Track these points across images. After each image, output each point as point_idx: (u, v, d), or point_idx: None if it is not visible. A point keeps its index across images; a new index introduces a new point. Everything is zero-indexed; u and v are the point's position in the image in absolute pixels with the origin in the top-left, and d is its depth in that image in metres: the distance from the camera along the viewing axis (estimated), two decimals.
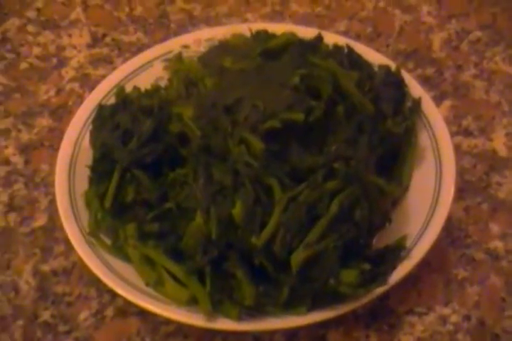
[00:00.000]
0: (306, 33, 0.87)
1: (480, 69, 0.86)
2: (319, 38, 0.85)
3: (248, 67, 0.83)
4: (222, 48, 0.87)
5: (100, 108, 0.85)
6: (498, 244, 0.79)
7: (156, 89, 0.86)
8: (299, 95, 0.78)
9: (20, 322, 0.79)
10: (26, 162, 0.87)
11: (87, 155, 0.85)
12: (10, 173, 0.87)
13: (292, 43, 0.86)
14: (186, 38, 0.89)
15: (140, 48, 0.91)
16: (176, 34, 0.92)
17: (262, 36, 0.86)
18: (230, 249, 0.73)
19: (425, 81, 0.83)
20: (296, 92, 0.78)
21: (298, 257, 0.70)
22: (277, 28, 0.89)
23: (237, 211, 0.71)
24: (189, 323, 0.74)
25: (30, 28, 0.93)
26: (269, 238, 0.71)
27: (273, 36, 0.88)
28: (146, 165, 0.79)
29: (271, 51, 0.85)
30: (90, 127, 0.85)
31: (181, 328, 0.77)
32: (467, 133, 0.82)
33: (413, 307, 0.77)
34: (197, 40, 0.87)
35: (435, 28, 0.89)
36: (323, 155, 0.75)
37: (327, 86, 0.79)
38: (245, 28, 0.89)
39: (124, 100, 0.84)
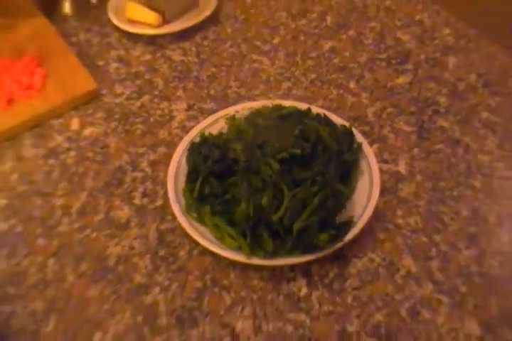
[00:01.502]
0: (302, 106, 0.85)
1: (391, 127, 0.84)
2: (309, 109, 0.85)
3: (270, 124, 0.83)
4: (257, 113, 0.86)
5: (191, 143, 0.84)
6: (400, 221, 0.79)
7: (220, 134, 0.84)
8: (297, 140, 0.78)
9: (148, 255, 0.76)
10: (152, 170, 0.85)
11: (184, 168, 0.83)
12: (144, 177, 0.85)
13: (294, 112, 0.85)
14: (237, 107, 0.89)
15: (213, 112, 0.87)
16: (232, 104, 0.89)
17: (278, 107, 0.85)
18: (260, 222, 0.71)
19: (364, 134, 0.83)
20: (296, 138, 0.79)
21: (297, 226, 0.73)
22: (286, 103, 0.88)
23: (264, 201, 0.73)
24: (236, 259, 0.74)
25: (156, 100, 0.91)
26: (281, 216, 0.70)
27: (284, 107, 0.86)
28: (215, 174, 0.77)
29: (283, 115, 0.84)
30: (186, 153, 0.82)
31: (232, 262, 0.76)
32: (385, 161, 0.82)
33: (356, 253, 0.76)
34: (243, 108, 0.85)
35: (369, 105, 0.88)
36: (310, 172, 0.74)
37: (313, 135, 0.79)
38: (269, 103, 0.88)
39: (204, 139, 0.84)
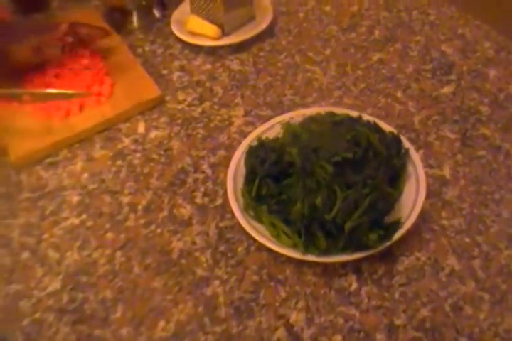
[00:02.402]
0: (353, 113, 0.85)
1: (436, 135, 0.84)
2: (360, 116, 0.83)
3: (324, 130, 0.83)
4: (311, 119, 0.86)
5: (249, 147, 0.85)
6: (445, 222, 0.80)
7: (276, 138, 0.85)
8: (350, 145, 0.78)
9: (208, 250, 0.79)
10: (213, 172, 0.87)
11: (242, 170, 0.84)
12: (205, 178, 0.87)
13: (346, 118, 0.85)
14: (292, 113, 0.90)
15: (269, 118, 0.88)
16: (287, 111, 0.92)
17: (331, 114, 0.85)
18: (314, 221, 0.72)
19: (410, 140, 0.84)
20: (348, 143, 0.78)
21: (348, 225, 0.72)
22: (338, 110, 0.88)
23: (319, 201, 0.73)
24: (292, 256, 0.75)
25: (216, 106, 0.92)
26: (334, 216, 0.70)
27: (336, 114, 0.87)
28: (272, 176, 0.78)
29: (336, 122, 0.84)
30: (244, 156, 0.83)
31: (288, 259, 0.77)
32: (430, 166, 0.82)
33: (403, 252, 0.76)
34: (298, 115, 0.85)
35: (415, 114, 0.88)
36: (362, 175, 0.74)
37: (364, 141, 0.79)
38: (321, 110, 0.88)
39: (261, 143, 0.85)
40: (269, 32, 1.11)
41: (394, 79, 0.99)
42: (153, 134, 0.94)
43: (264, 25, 1.10)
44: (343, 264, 0.75)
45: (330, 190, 0.74)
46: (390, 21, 1.12)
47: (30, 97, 0.94)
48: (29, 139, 0.95)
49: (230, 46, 1.09)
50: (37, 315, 0.74)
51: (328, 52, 1.06)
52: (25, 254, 0.81)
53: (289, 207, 0.76)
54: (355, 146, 0.79)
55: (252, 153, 0.83)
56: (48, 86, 1.01)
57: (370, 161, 0.78)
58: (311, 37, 1.10)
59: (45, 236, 0.83)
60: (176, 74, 1.05)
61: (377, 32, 1.10)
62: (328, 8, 1.17)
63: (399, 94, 0.96)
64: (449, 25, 1.10)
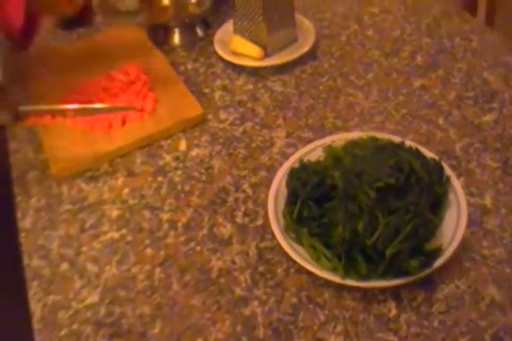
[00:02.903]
0: (396, 139, 0.86)
1: (478, 162, 0.85)
2: (402, 142, 0.84)
3: (367, 154, 0.84)
4: (353, 143, 0.87)
5: (291, 169, 0.87)
6: (486, 251, 0.80)
7: (318, 161, 0.86)
8: (392, 170, 0.79)
9: (248, 271, 0.81)
10: (253, 192, 0.88)
11: (283, 191, 0.86)
12: (245, 198, 0.89)
13: (389, 144, 0.86)
14: (334, 137, 0.92)
15: (310, 140, 0.90)
16: (328, 134, 0.95)
17: (373, 139, 0.86)
18: (355, 245, 0.72)
19: (452, 167, 0.84)
20: (391, 169, 0.79)
21: (389, 251, 0.73)
22: (380, 135, 0.90)
23: (360, 226, 0.74)
24: (331, 280, 0.75)
25: (258, 127, 0.94)
26: (375, 241, 0.71)
27: (379, 139, 0.88)
28: (313, 199, 0.78)
29: (379, 147, 0.85)
30: (286, 177, 0.86)
31: (327, 282, 0.77)
32: (471, 195, 0.83)
33: (443, 280, 0.76)
34: (339, 138, 0.87)
35: (456, 141, 0.90)
36: (404, 202, 0.75)
37: (406, 167, 0.79)
38: (363, 134, 0.91)
39: (303, 166, 0.86)
40: (311, 54, 1.13)
41: (436, 105, 1.00)
42: (194, 152, 0.96)
43: (306, 48, 1.12)
44: (383, 290, 0.76)
45: (372, 215, 0.75)
46: (432, 47, 1.13)
47: (75, 112, 0.96)
48: (71, 152, 0.97)
49: (272, 67, 1.10)
50: (75, 327, 0.76)
51: (370, 76, 1.06)
52: (64, 266, 0.83)
53: (330, 231, 0.76)
54: (398, 172, 0.79)
55: (294, 174, 0.84)
56: (94, 97, 1.03)
57: (412, 187, 0.78)
58: (353, 61, 1.11)
59: (85, 248, 0.84)
60: (218, 93, 1.07)
61: (419, 58, 1.11)
62: (370, 33, 1.18)
63: (440, 121, 0.96)
64: (491, 52, 1.11)
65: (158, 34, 1.25)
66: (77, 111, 0.98)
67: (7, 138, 1.07)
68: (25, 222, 0.90)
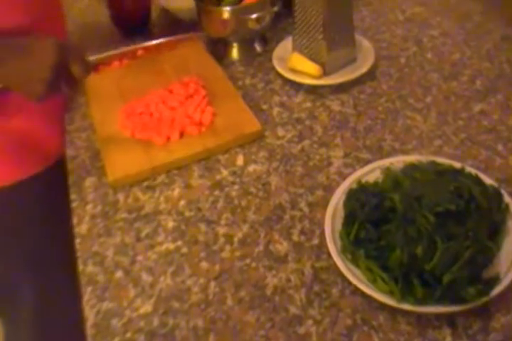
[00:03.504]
0: (456, 164, 0.87)
1: None
2: (463, 168, 0.84)
3: (427, 179, 0.85)
4: (413, 167, 0.88)
5: (349, 190, 0.87)
6: None
7: (376, 183, 0.86)
8: (452, 196, 0.79)
9: (303, 289, 0.82)
10: (310, 211, 0.89)
11: (340, 211, 0.86)
12: (302, 216, 0.89)
13: (449, 169, 0.87)
14: (392, 159, 0.93)
15: (368, 161, 0.93)
16: (386, 156, 0.96)
17: (433, 163, 0.86)
18: (412, 269, 0.73)
19: (511, 195, 0.82)
20: (451, 194, 0.79)
21: (447, 277, 0.73)
22: (439, 160, 0.90)
23: (419, 251, 0.74)
24: (387, 303, 0.75)
25: (315, 145, 0.96)
26: (433, 266, 0.71)
27: (439, 164, 0.89)
28: (371, 220, 0.78)
29: (439, 171, 0.86)
30: (344, 198, 0.87)
31: (382, 305, 0.76)
32: None
33: (500, 309, 0.76)
34: (398, 161, 0.88)
35: None
36: (463, 228, 0.76)
37: (466, 193, 0.79)
38: (422, 158, 0.91)
39: (362, 187, 0.86)
40: (369, 75, 1.13)
41: (495, 131, 1.00)
42: (251, 168, 0.97)
43: (365, 68, 1.13)
44: (438, 316, 0.75)
45: (430, 240, 0.75)
46: (491, 72, 1.13)
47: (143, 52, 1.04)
48: (128, 161, 0.99)
49: (330, 86, 1.11)
50: (128, 335, 0.77)
51: (428, 99, 1.07)
52: (119, 273, 0.84)
53: (388, 254, 0.77)
54: (458, 198, 0.79)
55: (352, 195, 0.85)
56: (153, 109, 1.09)
57: (472, 214, 0.78)
58: (412, 83, 1.11)
59: (140, 258, 0.86)
60: (276, 110, 1.08)
61: (478, 82, 1.11)
62: (429, 55, 1.19)
63: (500, 147, 0.97)
64: None
65: (217, 48, 1.27)
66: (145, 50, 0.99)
67: (66, 144, 1.09)
68: (81, 228, 0.92)
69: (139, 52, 1.13)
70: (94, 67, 0.97)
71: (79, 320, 0.82)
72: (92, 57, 0.95)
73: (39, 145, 1.07)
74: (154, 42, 1.08)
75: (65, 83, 0.86)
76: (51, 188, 1.14)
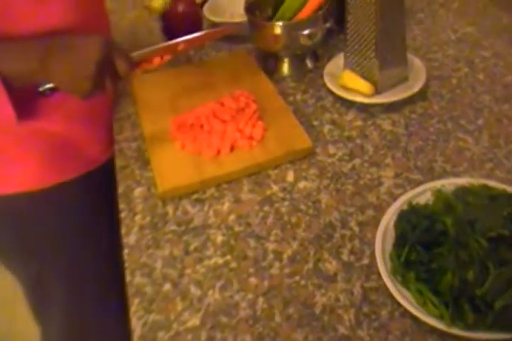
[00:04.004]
0: (509, 189, 0.89)
1: None
2: None
3: (480, 203, 0.85)
4: (465, 190, 0.89)
5: (401, 211, 0.88)
6: None
7: (427, 205, 0.87)
8: (506, 221, 0.80)
9: (352, 310, 0.82)
10: (360, 231, 0.91)
11: (390, 232, 0.87)
12: (352, 235, 0.91)
13: (503, 193, 0.88)
14: (443, 181, 0.94)
15: (418, 182, 0.94)
16: (437, 178, 0.97)
17: (486, 187, 0.87)
18: (463, 294, 0.73)
19: None
20: (505, 219, 0.80)
21: (499, 303, 0.73)
22: (492, 184, 0.91)
23: (470, 276, 0.75)
24: (437, 326, 0.75)
25: (366, 164, 0.99)
26: (485, 291, 0.72)
27: (492, 188, 0.89)
28: (422, 243, 0.79)
29: (492, 196, 0.87)
30: (394, 219, 0.88)
31: (432, 329, 0.77)
32: None
33: None
34: (449, 183, 0.90)
35: None
36: None
37: None
38: (474, 181, 0.92)
39: (413, 208, 0.88)
40: (421, 95, 1.14)
41: None
42: (302, 184, 0.98)
43: (417, 88, 1.13)
44: None
45: (483, 265, 0.76)
46: None
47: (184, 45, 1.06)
48: (178, 174, 1.01)
49: (381, 105, 1.12)
50: None
51: (480, 121, 1.07)
52: (167, 286, 0.86)
53: (439, 277, 0.77)
54: (511, 223, 0.79)
55: (403, 217, 0.85)
56: (204, 122, 1.11)
57: None
58: (464, 104, 1.12)
59: (188, 271, 0.87)
60: (326, 127, 1.09)
61: None
62: (481, 77, 1.19)
63: None
64: None
65: (269, 63, 1.29)
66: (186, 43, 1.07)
67: (115, 154, 1.12)
68: (129, 239, 0.94)
69: (180, 47, 1.14)
70: (137, 64, 0.98)
71: (126, 331, 0.83)
72: (135, 54, 0.98)
73: (79, 150, 1.09)
74: (194, 35, 1.10)
75: (109, 80, 0.88)
76: (91, 192, 1.18)
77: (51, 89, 0.89)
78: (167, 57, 1.09)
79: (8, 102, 0.82)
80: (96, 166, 1.13)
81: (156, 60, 1.11)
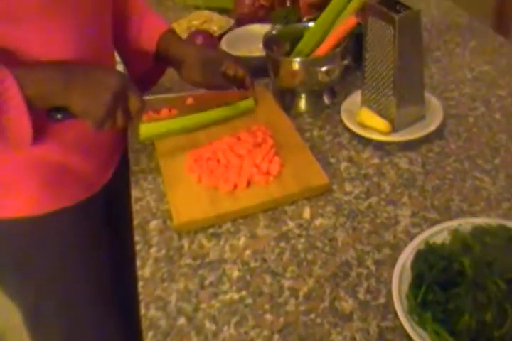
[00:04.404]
0: None
1: None
2: None
3: (499, 244, 0.87)
4: (482, 231, 0.90)
5: (418, 250, 0.90)
6: None
7: (444, 244, 0.88)
8: None
9: None
10: (377, 269, 0.93)
11: (407, 271, 0.88)
12: (368, 274, 0.92)
13: None
14: (460, 221, 0.95)
15: (435, 221, 0.96)
16: (454, 217, 0.99)
17: (503, 227, 0.89)
18: (480, 336, 0.74)
19: None
20: None
21: None
22: (510, 225, 0.92)
23: (489, 317, 0.75)
24: None
25: (382, 203, 1.01)
26: (503, 333, 0.72)
27: (510, 229, 0.90)
28: (439, 283, 0.79)
29: (510, 237, 0.88)
30: (411, 258, 0.90)
31: None
32: None
33: None
34: (466, 223, 0.91)
35: None
36: None
37: None
38: (491, 221, 0.93)
39: (430, 248, 0.89)
40: (438, 133, 1.16)
41: None
42: (318, 221, 1.00)
43: (434, 127, 1.15)
44: None
45: (501, 307, 0.76)
46: None
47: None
48: (194, 207, 1.02)
49: (398, 143, 1.14)
50: None
51: (497, 161, 1.09)
52: (182, 320, 0.87)
53: (456, 318, 0.78)
54: None
55: (420, 256, 0.86)
56: (221, 156, 1.13)
57: None
58: (481, 143, 1.13)
59: (203, 305, 0.88)
60: (343, 164, 1.11)
61: None
62: (497, 116, 1.21)
63: None
64: None
65: (286, 98, 1.31)
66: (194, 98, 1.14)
67: (131, 186, 1.14)
68: (144, 271, 0.95)
69: (189, 101, 1.17)
70: (145, 111, 1.02)
71: None
72: (148, 97, 1.01)
73: (77, 178, 1.11)
74: (203, 91, 1.19)
75: (121, 114, 0.91)
76: (90, 217, 1.19)
77: (64, 114, 0.92)
78: (174, 111, 1.13)
79: (29, 123, 0.86)
80: (94, 192, 1.14)
81: (164, 112, 1.14)
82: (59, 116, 0.92)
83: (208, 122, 1.23)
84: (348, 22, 1.18)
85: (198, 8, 1.80)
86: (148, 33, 1.20)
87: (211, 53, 1.21)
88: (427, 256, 0.86)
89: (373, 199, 1.03)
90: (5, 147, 0.94)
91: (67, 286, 1.19)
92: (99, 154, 1.13)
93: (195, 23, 1.64)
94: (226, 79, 1.18)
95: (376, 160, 1.11)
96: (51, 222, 1.08)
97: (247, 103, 1.25)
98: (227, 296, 0.89)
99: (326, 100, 1.29)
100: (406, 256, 0.88)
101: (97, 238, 1.20)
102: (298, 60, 1.24)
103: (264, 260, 0.93)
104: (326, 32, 1.25)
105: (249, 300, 0.88)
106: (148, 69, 1.21)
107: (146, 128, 1.12)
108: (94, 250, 1.18)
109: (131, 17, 1.20)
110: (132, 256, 0.97)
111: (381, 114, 1.16)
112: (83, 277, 1.20)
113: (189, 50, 1.18)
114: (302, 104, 1.29)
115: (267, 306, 0.86)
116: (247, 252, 0.95)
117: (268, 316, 0.85)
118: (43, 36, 0.93)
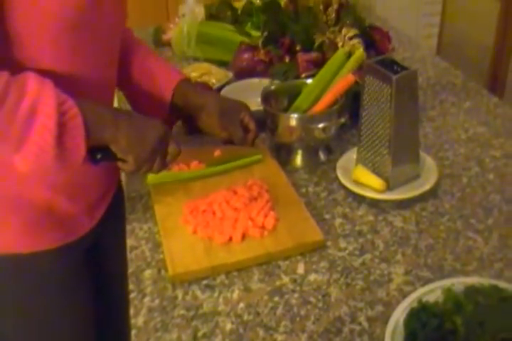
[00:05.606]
0: None
1: None
2: None
3: (491, 304, 0.89)
4: (475, 290, 0.92)
5: (411, 308, 0.93)
6: None
7: (437, 303, 0.91)
8: None
9: None
10: (369, 326, 0.94)
11: (400, 329, 0.90)
12: (361, 330, 0.95)
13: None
14: (453, 280, 0.97)
15: (428, 280, 0.99)
16: (447, 276, 1.03)
17: (495, 288, 0.91)
18: None
19: None
20: None
21: None
22: (503, 285, 0.94)
23: None
24: None
25: (376, 260, 1.01)
26: None
27: (502, 289, 0.92)
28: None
29: (503, 298, 0.90)
30: (404, 316, 0.92)
31: None
32: None
33: None
34: (458, 282, 0.95)
35: None
36: None
37: None
38: (484, 281, 0.96)
39: (423, 306, 0.91)
40: (432, 192, 1.20)
41: None
42: (312, 277, 1.03)
43: (428, 186, 1.20)
44: None
45: None
46: None
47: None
48: (189, 258, 1.06)
49: (393, 201, 1.18)
50: None
51: (490, 221, 1.13)
52: None
53: None
54: None
55: (413, 315, 0.88)
56: (217, 208, 1.17)
57: None
58: (474, 203, 1.18)
59: None
60: (338, 221, 1.15)
61: None
62: (491, 176, 1.26)
63: None
64: None
65: (282, 153, 1.36)
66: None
67: (119, 233, 1.18)
68: (137, 320, 0.98)
69: (216, 153, 1.25)
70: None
71: None
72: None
73: (61, 219, 1.10)
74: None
75: (159, 160, 0.97)
76: (73, 259, 1.19)
77: (104, 154, 0.96)
78: (202, 165, 1.19)
79: (85, 143, 0.89)
80: (79, 236, 1.14)
81: (194, 165, 1.20)
82: (99, 156, 0.95)
83: (214, 174, 1.28)
84: (345, 80, 1.24)
85: (197, 59, 1.85)
86: (164, 83, 1.24)
87: (230, 101, 1.25)
88: (419, 314, 0.89)
89: (367, 256, 1.07)
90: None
91: (45, 326, 1.19)
92: (87, 198, 1.13)
93: (194, 74, 1.68)
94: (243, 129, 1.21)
95: (370, 218, 1.15)
96: (31, 260, 1.08)
97: (255, 158, 1.30)
98: None
99: (322, 156, 1.35)
100: (399, 314, 0.91)
101: (78, 280, 1.20)
102: (295, 116, 1.30)
103: (258, 313, 0.96)
104: (323, 89, 1.31)
105: None
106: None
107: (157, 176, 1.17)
108: (73, 291, 1.19)
109: (145, 68, 1.25)
110: (120, 303, 0.98)
111: (376, 172, 1.20)
112: (60, 318, 1.21)
113: (209, 98, 1.22)
114: (298, 159, 1.34)
115: None
116: (241, 305, 0.98)
117: None
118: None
